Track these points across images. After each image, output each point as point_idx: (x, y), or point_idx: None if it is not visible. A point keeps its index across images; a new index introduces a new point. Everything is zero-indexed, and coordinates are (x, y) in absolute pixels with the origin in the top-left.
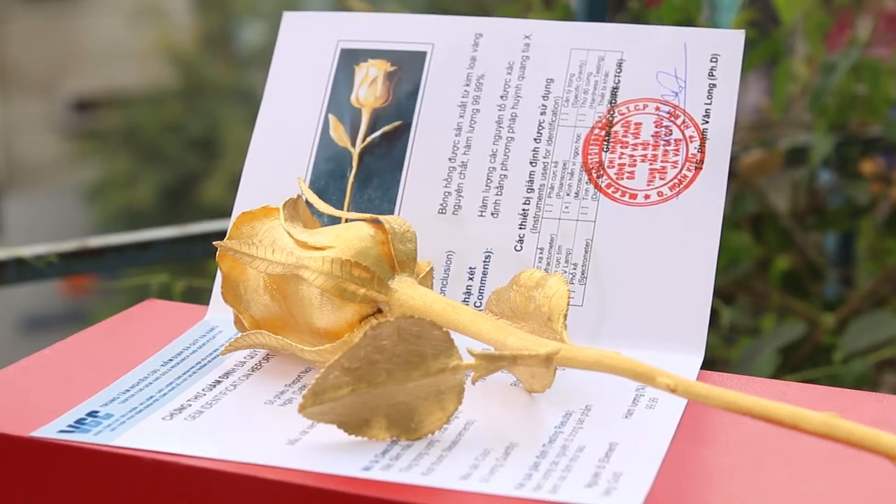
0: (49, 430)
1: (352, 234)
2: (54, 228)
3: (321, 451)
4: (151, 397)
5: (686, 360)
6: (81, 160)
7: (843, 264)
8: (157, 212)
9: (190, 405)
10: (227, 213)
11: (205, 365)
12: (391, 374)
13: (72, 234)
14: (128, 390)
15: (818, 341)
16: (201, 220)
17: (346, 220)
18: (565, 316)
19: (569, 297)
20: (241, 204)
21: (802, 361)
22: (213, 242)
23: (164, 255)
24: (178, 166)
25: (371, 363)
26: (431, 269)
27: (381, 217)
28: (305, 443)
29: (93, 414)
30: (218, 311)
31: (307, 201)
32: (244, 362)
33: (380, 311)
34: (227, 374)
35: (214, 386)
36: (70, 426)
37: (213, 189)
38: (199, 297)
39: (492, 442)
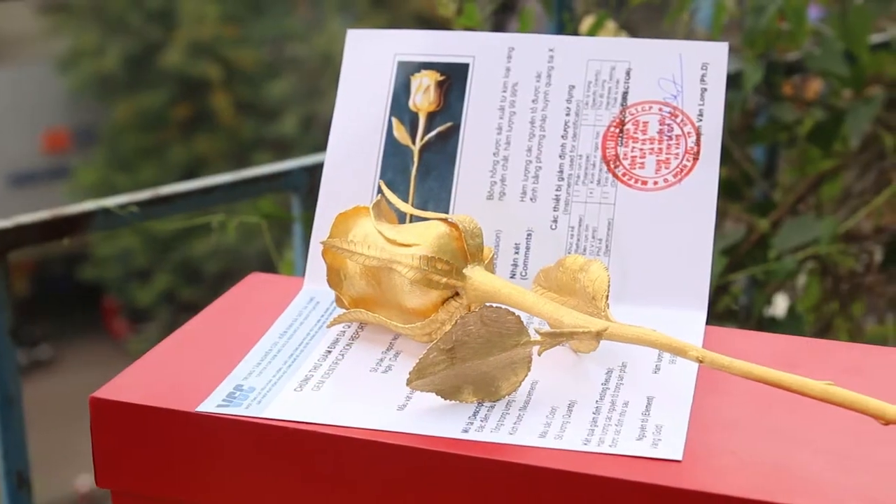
0: (209, 405)
1: (432, 233)
2: (34, 96)
3: (426, 416)
4: (280, 369)
5: (692, 316)
6: (53, 33)
7: (769, 173)
8: (124, 78)
9: (312, 376)
10: (187, 79)
11: (314, 335)
12: (476, 351)
13: (50, 103)
14: (259, 363)
15: (754, 242)
16: (163, 84)
17: (412, 218)
18: (607, 296)
19: (609, 281)
20: (325, 196)
21: (742, 259)
22: (320, 241)
23: (224, 197)
24: (141, 36)
25: (461, 344)
26: (493, 255)
27: (452, 217)
28: (411, 408)
29: (239, 388)
30: (313, 283)
31: (388, 201)
32: (344, 332)
33: (457, 294)
34: (334, 344)
35: (326, 356)
36: (224, 400)
37: (172, 56)
38: (252, 231)
39: (556, 400)
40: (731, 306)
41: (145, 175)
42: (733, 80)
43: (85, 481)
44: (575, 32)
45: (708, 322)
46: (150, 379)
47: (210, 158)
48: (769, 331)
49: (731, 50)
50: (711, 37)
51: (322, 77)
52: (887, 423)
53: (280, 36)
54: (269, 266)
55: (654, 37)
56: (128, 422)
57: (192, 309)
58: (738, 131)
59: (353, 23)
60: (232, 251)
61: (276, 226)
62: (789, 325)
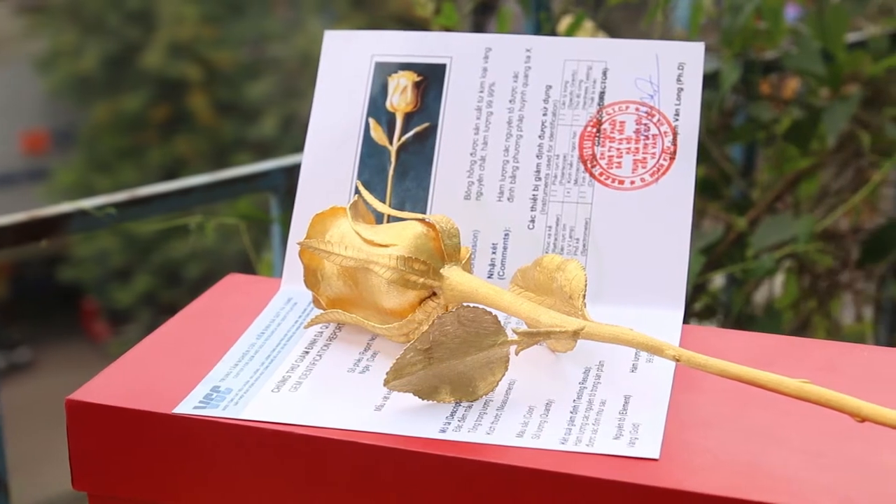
0: (186, 406)
1: (409, 233)
2: (12, 97)
3: (403, 416)
4: (257, 370)
5: (670, 315)
6: (30, 34)
7: (747, 172)
8: (103, 79)
9: (290, 376)
10: (166, 80)
11: (291, 336)
12: (453, 351)
13: (28, 104)
14: (236, 364)
15: (732, 240)
16: (142, 85)
17: (389, 218)
18: (584, 296)
19: (585, 281)
20: (302, 197)
21: (720, 258)
22: (297, 241)
23: (202, 198)
24: (119, 37)
25: (438, 344)
26: (470, 255)
27: (429, 217)
28: (389, 408)
29: (215, 389)
30: (291, 283)
31: (365, 201)
32: (321, 332)
33: (434, 294)
34: (311, 345)
35: (304, 356)
36: (201, 402)
37: (151, 57)
38: (232, 232)
39: (533, 399)
40: (709, 304)
41: (125, 176)
42: (711, 80)
43: None
44: (553, 32)
45: (687, 321)
46: (126, 381)
47: (190, 160)
48: (748, 329)
49: (709, 49)
50: (689, 36)
51: (302, 78)
52: (862, 420)
53: (259, 37)
54: (248, 267)
55: (632, 37)
56: (104, 424)
57: (173, 311)
58: (716, 130)
59: (332, 23)
60: (212, 252)
61: (255, 227)
62: (767, 323)
